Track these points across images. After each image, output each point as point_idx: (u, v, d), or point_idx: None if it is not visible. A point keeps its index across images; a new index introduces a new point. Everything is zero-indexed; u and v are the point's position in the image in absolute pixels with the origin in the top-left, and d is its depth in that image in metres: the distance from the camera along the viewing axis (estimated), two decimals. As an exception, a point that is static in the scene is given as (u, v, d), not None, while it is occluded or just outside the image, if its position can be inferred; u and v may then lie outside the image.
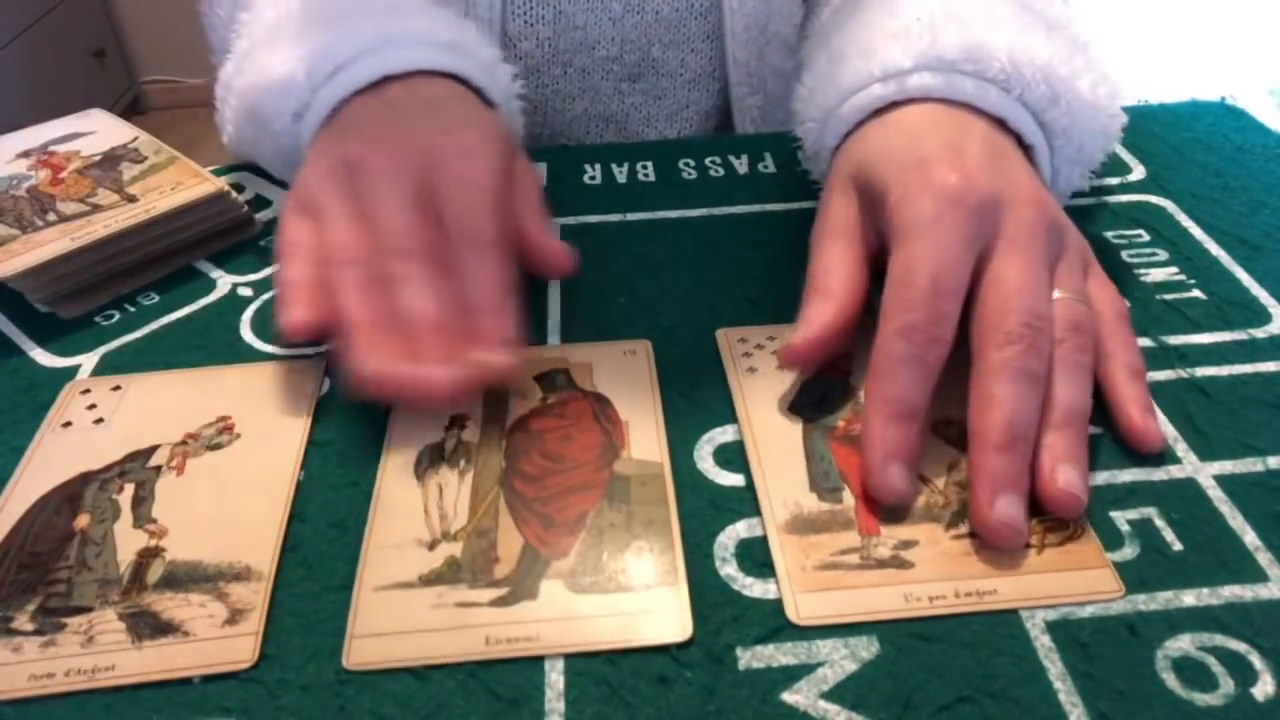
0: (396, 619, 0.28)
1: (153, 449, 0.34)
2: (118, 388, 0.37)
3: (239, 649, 0.27)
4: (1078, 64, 0.39)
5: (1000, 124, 0.38)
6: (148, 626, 0.28)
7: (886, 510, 0.30)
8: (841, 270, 0.35)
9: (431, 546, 0.30)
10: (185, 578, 0.29)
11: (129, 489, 0.32)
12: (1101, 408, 0.33)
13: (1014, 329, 0.31)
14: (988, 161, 0.35)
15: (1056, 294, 0.33)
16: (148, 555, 0.30)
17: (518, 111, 0.48)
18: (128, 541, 0.30)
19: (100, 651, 0.27)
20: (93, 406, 0.36)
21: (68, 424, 0.35)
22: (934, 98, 0.38)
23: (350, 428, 0.35)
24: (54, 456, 0.34)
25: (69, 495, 0.32)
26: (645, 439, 0.33)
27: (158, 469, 0.33)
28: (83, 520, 0.31)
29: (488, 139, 0.38)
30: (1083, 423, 0.31)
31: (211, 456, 0.33)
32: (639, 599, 0.28)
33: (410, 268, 0.34)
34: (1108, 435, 0.33)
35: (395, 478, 0.32)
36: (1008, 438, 0.30)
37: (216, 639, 0.27)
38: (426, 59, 0.42)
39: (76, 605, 0.28)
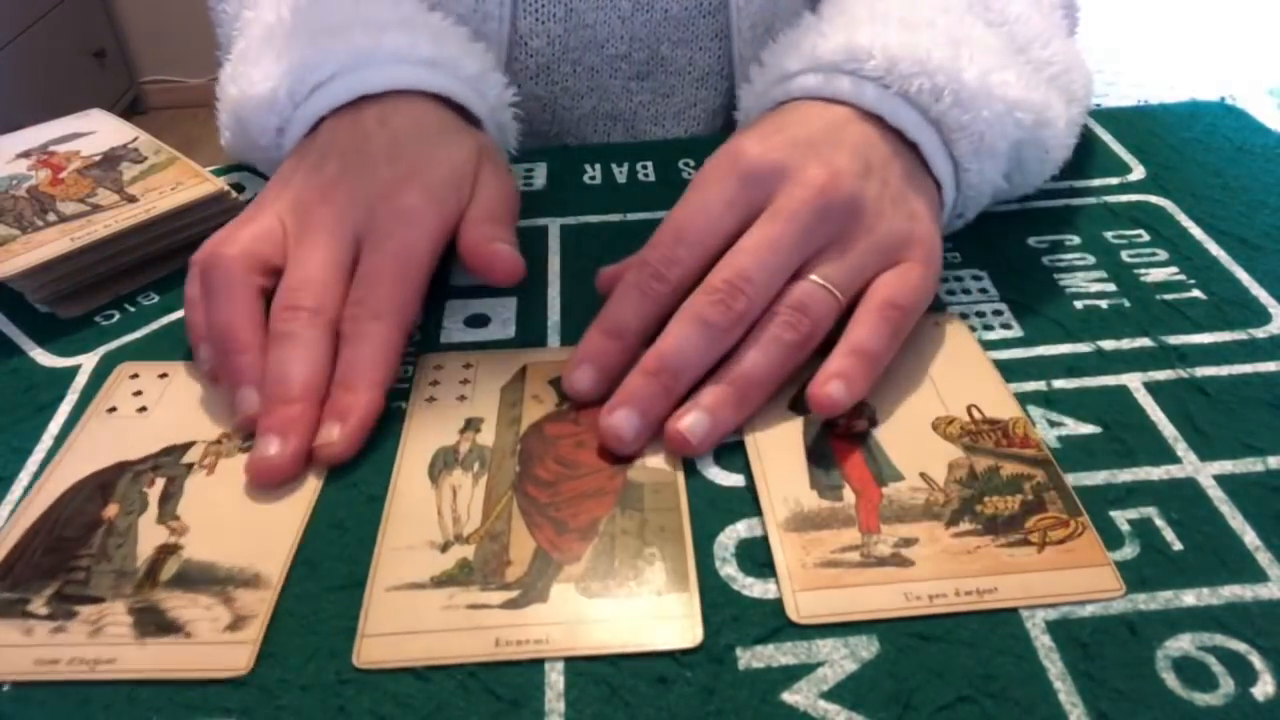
0: (407, 619, 0.28)
1: (188, 445, 0.34)
2: (164, 375, 0.37)
3: (235, 656, 0.27)
4: (962, 55, 0.38)
5: (889, 127, 0.38)
6: (153, 623, 0.28)
7: (888, 509, 0.30)
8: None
9: (444, 548, 0.30)
10: (197, 578, 0.29)
11: (159, 483, 0.32)
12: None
13: (715, 283, 0.34)
14: (804, 142, 0.36)
15: (812, 276, 0.34)
16: (165, 552, 0.30)
17: (510, 121, 0.48)
18: (149, 536, 0.31)
19: (104, 644, 0.27)
20: (139, 394, 0.36)
21: (113, 409, 0.36)
22: (815, 96, 0.39)
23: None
24: (97, 441, 0.34)
25: (103, 483, 0.32)
26: (658, 445, 0.33)
27: (190, 466, 0.33)
28: (111, 510, 0.31)
29: (432, 197, 0.39)
30: (749, 388, 0.33)
31: (243, 459, 0.33)
32: (649, 604, 0.28)
33: (298, 326, 0.35)
34: (1107, 435, 0.33)
35: (410, 480, 0.32)
36: (656, 365, 0.33)
37: (215, 644, 0.27)
38: (405, 77, 0.42)
39: (91, 595, 0.29)
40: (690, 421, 0.32)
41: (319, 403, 0.34)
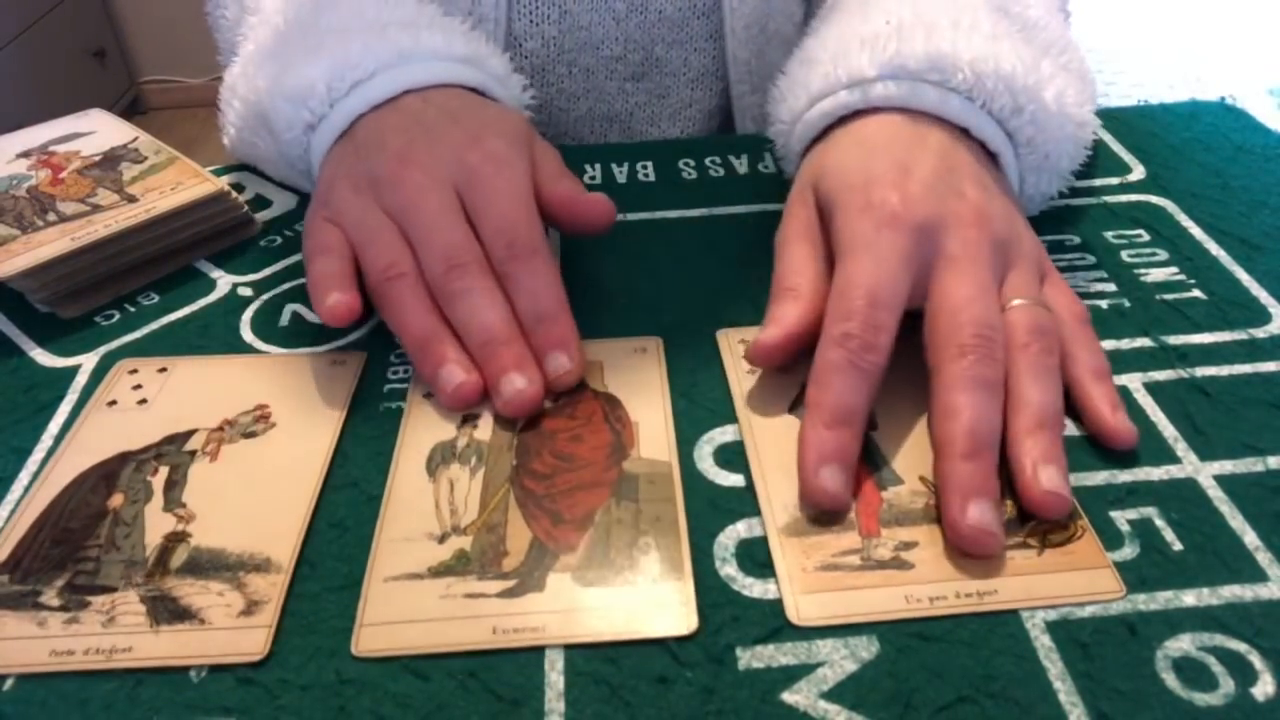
0: (405, 608, 0.28)
1: (190, 433, 0.34)
2: (164, 369, 0.37)
3: (251, 641, 0.27)
4: (1044, 72, 0.39)
5: (964, 132, 0.39)
6: (166, 611, 0.28)
7: (887, 513, 0.30)
8: (809, 272, 0.36)
9: (442, 540, 0.30)
10: (207, 565, 0.29)
11: (163, 471, 0.33)
12: (1071, 411, 0.33)
13: (966, 340, 0.32)
14: (935, 180, 0.36)
15: (1016, 301, 0.34)
16: (174, 539, 0.30)
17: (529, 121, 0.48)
18: (156, 524, 0.31)
19: (119, 633, 0.27)
20: (138, 387, 0.36)
21: (113, 402, 0.36)
22: (896, 107, 0.39)
23: (362, 425, 0.35)
24: (97, 434, 0.34)
25: (106, 474, 0.33)
26: (654, 438, 0.33)
27: (193, 454, 0.33)
28: (116, 500, 0.32)
29: (514, 144, 0.39)
30: (1057, 423, 0.32)
31: (246, 444, 0.34)
32: (644, 592, 0.28)
33: (473, 280, 0.35)
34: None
35: (408, 473, 0.32)
36: (972, 445, 0.30)
37: (231, 629, 0.28)
38: (444, 73, 0.42)
39: (102, 584, 0.29)
40: (1049, 480, 0.30)
41: (524, 340, 0.35)
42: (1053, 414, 0.31)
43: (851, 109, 0.40)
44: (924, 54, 0.38)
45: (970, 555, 0.29)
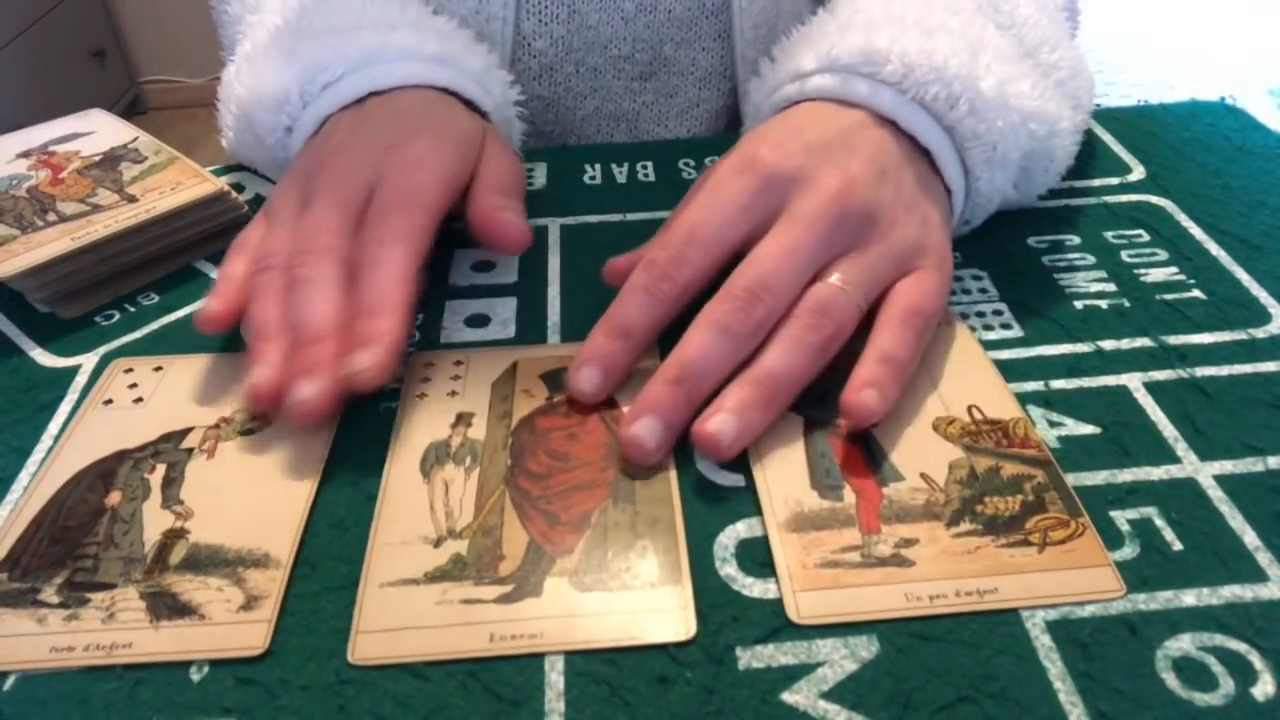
0: (401, 615, 0.28)
1: (186, 431, 0.34)
2: (159, 368, 0.37)
3: (251, 635, 0.27)
4: (980, 64, 0.38)
5: (898, 127, 0.38)
6: (166, 607, 0.28)
7: (888, 509, 0.30)
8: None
9: (437, 544, 0.30)
10: (206, 561, 0.29)
11: (160, 469, 0.33)
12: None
13: (734, 289, 0.33)
14: (819, 146, 0.36)
15: (829, 279, 0.34)
16: (172, 536, 0.30)
17: (514, 118, 0.49)
18: (154, 521, 0.31)
19: (119, 628, 0.28)
20: (134, 385, 0.36)
21: (109, 401, 0.36)
22: (830, 97, 0.39)
23: (357, 425, 0.35)
24: (93, 433, 0.34)
25: (103, 472, 0.33)
26: None
27: (189, 451, 0.33)
28: (114, 498, 0.32)
29: (440, 146, 0.39)
30: (776, 389, 0.32)
31: (243, 441, 0.34)
32: (643, 597, 0.28)
33: (313, 269, 0.35)
34: (1107, 435, 0.33)
35: (401, 475, 0.32)
36: (677, 374, 0.32)
37: (231, 624, 0.28)
38: (413, 73, 0.43)
39: (101, 581, 0.29)
40: (719, 423, 0.31)
41: (343, 338, 0.33)
42: (776, 378, 0.32)
43: (791, 100, 0.41)
44: (859, 48, 0.39)
45: (627, 460, 0.32)
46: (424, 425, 0.34)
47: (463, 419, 0.34)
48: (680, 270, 0.34)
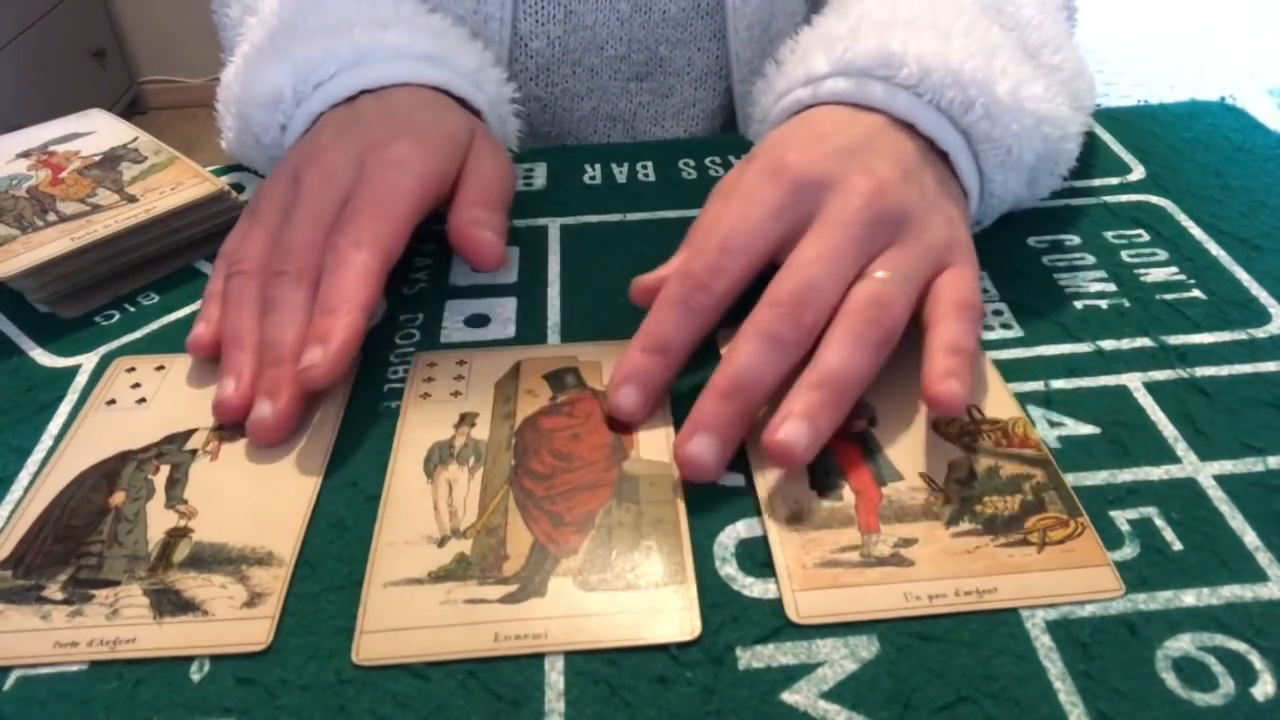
0: (405, 615, 0.28)
1: (190, 432, 0.34)
2: (161, 367, 0.37)
3: (254, 631, 0.27)
4: (996, 68, 0.38)
5: (915, 130, 0.38)
6: (170, 603, 0.28)
7: (887, 509, 0.30)
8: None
9: (441, 543, 0.30)
10: (210, 559, 0.29)
11: (164, 470, 0.33)
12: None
13: (779, 296, 0.32)
14: (845, 151, 0.36)
15: (879, 274, 0.34)
16: (176, 535, 0.30)
17: (510, 115, 0.49)
18: (158, 520, 0.31)
19: (123, 624, 0.28)
20: (136, 385, 0.36)
21: (112, 401, 0.36)
22: (845, 101, 0.39)
23: (360, 425, 0.35)
24: (96, 433, 0.34)
25: (107, 472, 0.33)
26: (654, 438, 0.33)
27: (193, 452, 0.33)
28: (118, 497, 0.32)
29: (424, 148, 0.39)
30: (841, 389, 0.31)
31: (246, 442, 0.34)
32: (647, 597, 0.28)
33: (287, 291, 0.35)
34: (1107, 435, 0.33)
35: (405, 474, 0.32)
36: (729, 387, 0.31)
37: (234, 620, 0.28)
38: (404, 72, 0.43)
39: (105, 578, 0.29)
40: (792, 431, 0.30)
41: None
42: (840, 379, 0.31)
43: (804, 105, 0.40)
44: (874, 51, 0.38)
45: (686, 478, 0.31)
46: (427, 425, 0.34)
47: (466, 419, 0.34)
48: (717, 281, 0.33)
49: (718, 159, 0.51)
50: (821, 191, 0.35)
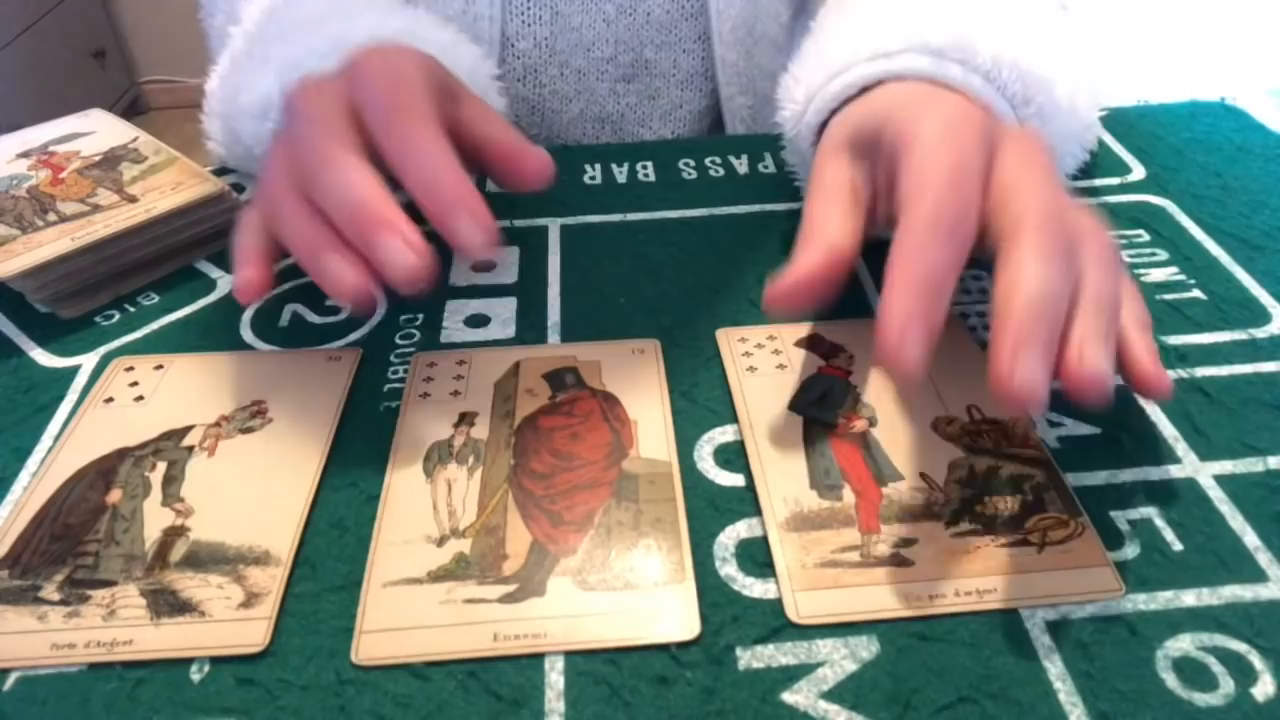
0: (405, 614, 0.28)
1: (187, 429, 0.34)
2: (160, 366, 0.37)
3: (251, 632, 0.27)
4: (1056, 70, 0.39)
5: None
6: (166, 604, 0.28)
7: (887, 509, 0.30)
8: (836, 218, 0.33)
9: (440, 543, 0.30)
10: (206, 558, 0.29)
11: (161, 467, 0.33)
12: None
13: (1039, 213, 0.29)
14: (986, 115, 0.34)
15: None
16: (173, 534, 0.30)
17: (493, 93, 0.46)
18: (155, 519, 0.31)
19: (120, 625, 0.28)
20: (134, 384, 0.36)
21: (109, 399, 0.36)
22: (920, 77, 0.38)
23: (359, 425, 0.35)
24: (94, 431, 0.34)
25: (104, 470, 0.33)
26: (653, 438, 0.33)
27: (190, 449, 0.33)
28: (115, 495, 0.32)
29: (413, 54, 0.35)
30: (1113, 310, 0.29)
31: (243, 439, 0.34)
32: (646, 597, 0.28)
33: (331, 152, 0.31)
34: (1107, 435, 0.33)
35: (404, 474, 0.32)
36: (1038, 309, 0.28)
37: (231, 621, 0.28)
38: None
39: (102, 578, 0.29)
40: (1094, 358, 0.28)
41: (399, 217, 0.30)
42: (1109, 300, 0.29)
43: (874, 79, 0.38)
44: (948, 34, 0.38)
45: (1014, 413, 0.28)
46: (427, 425, 0.34)
47: (465, 418, 0.34)
48: (969, 212, 0.30)
49: (718, 159, 0.51)
50: (997, 136, 0.32)
